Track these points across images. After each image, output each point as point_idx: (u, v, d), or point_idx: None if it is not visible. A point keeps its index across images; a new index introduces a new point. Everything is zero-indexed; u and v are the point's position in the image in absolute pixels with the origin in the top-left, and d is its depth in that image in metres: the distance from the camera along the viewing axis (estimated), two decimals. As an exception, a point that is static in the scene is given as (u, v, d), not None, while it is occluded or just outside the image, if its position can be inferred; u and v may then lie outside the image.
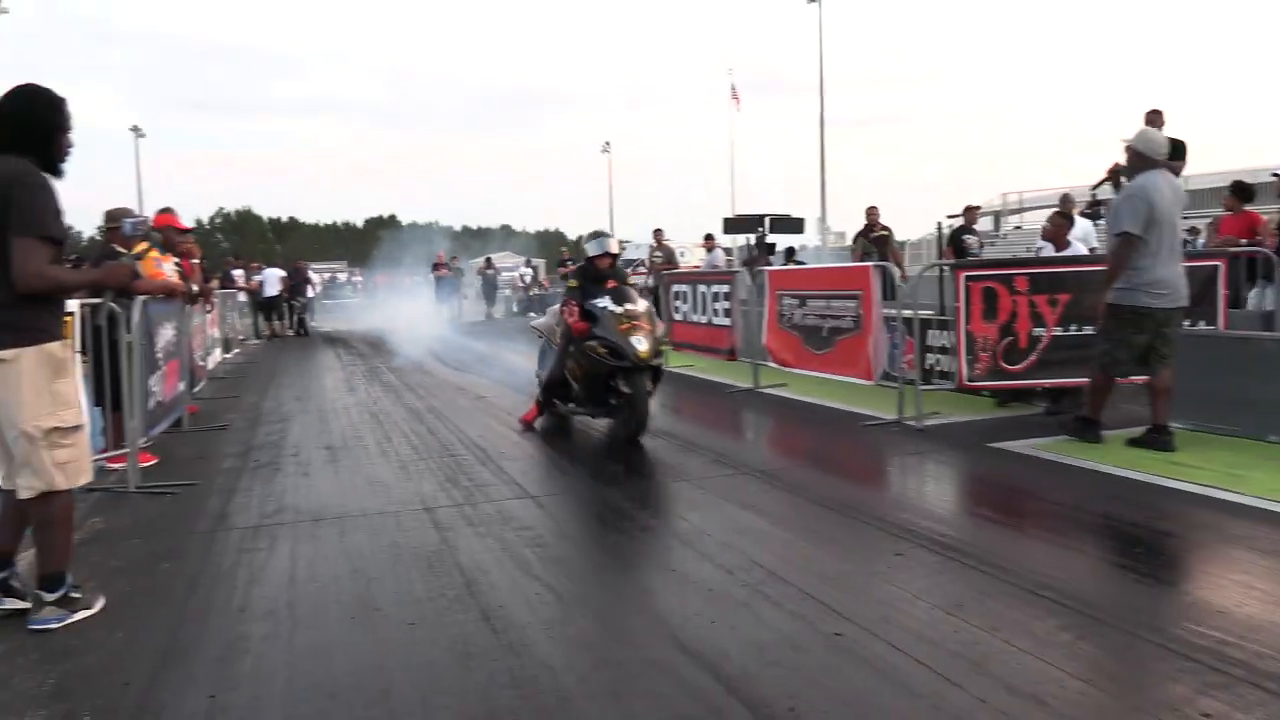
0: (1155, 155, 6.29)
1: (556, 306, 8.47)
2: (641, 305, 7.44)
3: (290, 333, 22.96)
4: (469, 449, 7.17)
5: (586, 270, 7.74)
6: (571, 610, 3.79)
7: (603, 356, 7.14)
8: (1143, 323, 6.25)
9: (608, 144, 65.78)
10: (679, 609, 3.78)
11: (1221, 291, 7.79)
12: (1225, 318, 7.79)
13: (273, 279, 22.55)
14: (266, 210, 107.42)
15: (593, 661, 3.30)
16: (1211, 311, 7.74)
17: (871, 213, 14.93)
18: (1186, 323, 7.48)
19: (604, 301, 7.31)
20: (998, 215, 40.75)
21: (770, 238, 18.90)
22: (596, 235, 7.89)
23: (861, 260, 13.49)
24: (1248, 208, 10.63)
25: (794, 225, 18.99)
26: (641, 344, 7.08)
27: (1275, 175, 9.80)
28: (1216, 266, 7.88)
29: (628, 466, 6.39)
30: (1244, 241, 9.69)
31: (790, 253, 20.80)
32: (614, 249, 7.80)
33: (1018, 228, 38.20)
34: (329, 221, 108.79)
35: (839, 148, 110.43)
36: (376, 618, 3.78)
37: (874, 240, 14.66)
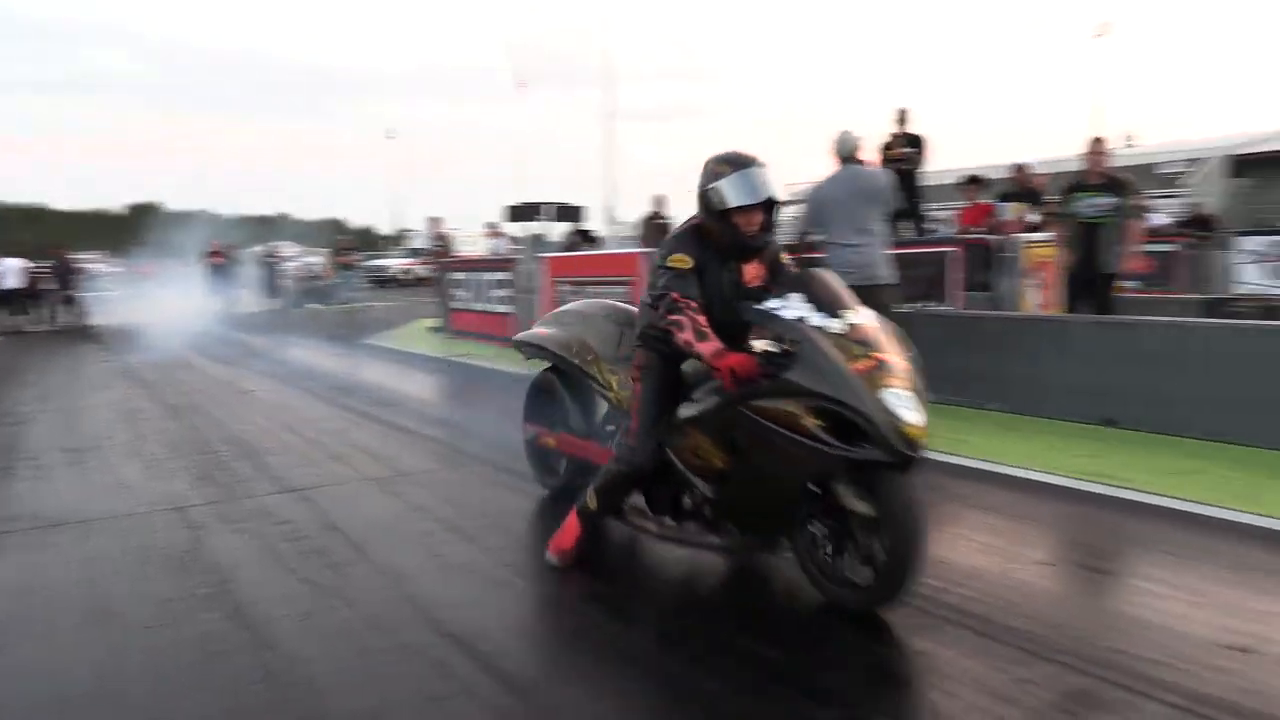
0: (840, 154, 6.98)
1: (579, 304, 5.08)
2: (867, 315, 3.53)
3: (44, 327, 21.09)
4: (230, 445, 6.85)
5: (709, 235, 3.72)
6: (332, 602, 3.73)
7: (812, 437, 3.27)
8: None
9: (391, 130, 64.23)
10: (432, 590, 3.80)
11: (956, 275, 8.51)
12: (962, 299, 8.53)
13: (12, 270, 20.63)
14: (8, 196, 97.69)
15: (351, 651, 3.27)
16: (945, 293, 8.46)
17: (658, 200, 15.43)
18: (930, 304, 8.18)
19: (793, 307, 3.42)
20: (783, 205, 42.65)
21: (551, 224, 19.06)
22: (736, 163, 3.65)
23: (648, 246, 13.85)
24: (984, 199, 11.65)
25: (572, 213, 19.22)
26: (909, 410, 3.21)
27: (1015, 169, 10.77)
28: (947, 253, 8.61)
29: (384, 465, 6.30)
30: (979, 229, 10.62)
31: (587, 237, 20.98)
32: (776, 192, 3.71)
33: (797, 218, 40.11)
34: (84, 208, 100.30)
35: (632, 140, 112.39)
36: (116, 623, 3.58)
37: (656, 227, 15.13)
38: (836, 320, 3.38)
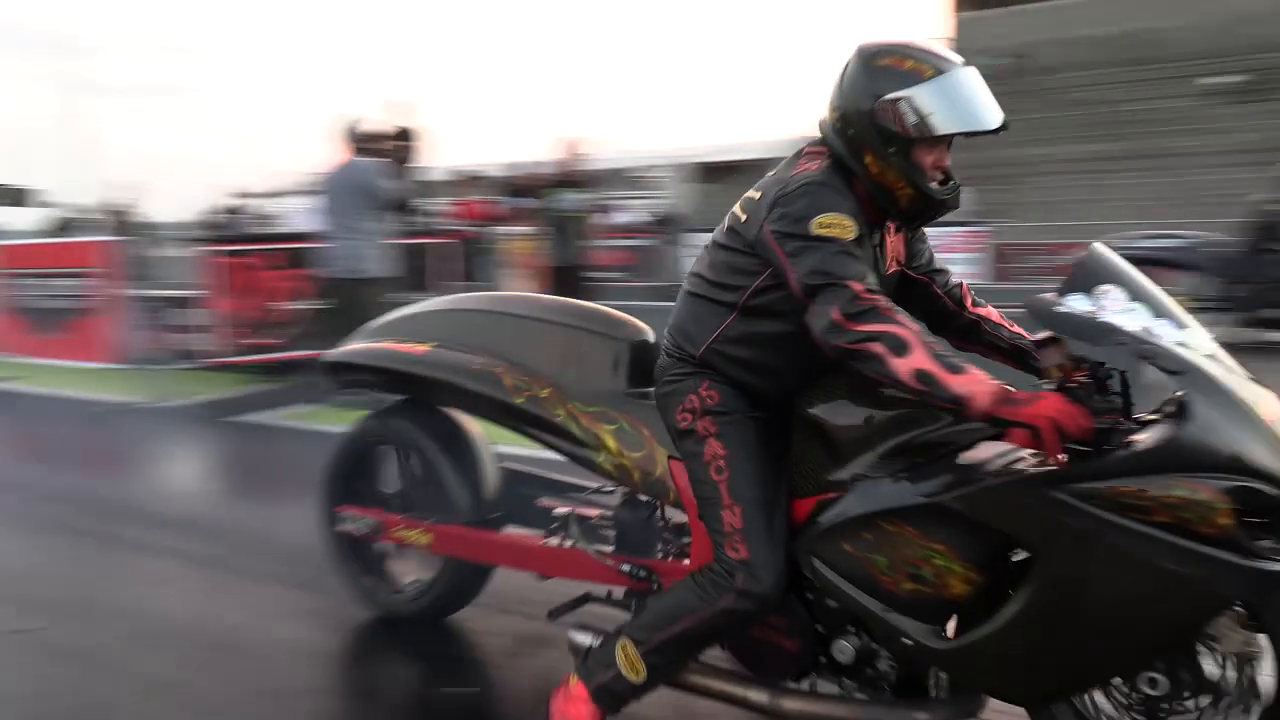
0: (346, 143, 6.99)
1: (460, 299, 3.27)
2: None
3: None
4: None
5: (861, 183, 2.14)
6: None
7: (1230, 544, 1.81)
8: (326, 290, 6.91)
9: None
10: None
11: (447, 266, 8.84)
12: (455, 290, 8.85)
13: None
14: None
15: None
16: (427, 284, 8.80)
17: (123, 185, 14.53)
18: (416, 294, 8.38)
19: (1115, 308, 1.91)
20: (269, 196, 40.76)
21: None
22: (937, 61, 2.07)
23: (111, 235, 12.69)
24: (480, 195, 12.17)
25: (18, 196, 16.92)
26: None
27: (513, 165, 11.36)
28: (433, 244, 8.94)
29: None
30: (475, 223, 11.10)
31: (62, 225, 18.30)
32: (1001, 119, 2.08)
33: (288, 209, 38.63)
34: None
35: (113, 118, 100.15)
36: None
37: (120, 214, 14.26)
38: (1194, 335, 1.98)
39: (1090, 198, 22.20)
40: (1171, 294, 2.06)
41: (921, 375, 1.90)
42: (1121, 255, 1.98)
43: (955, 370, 1.90)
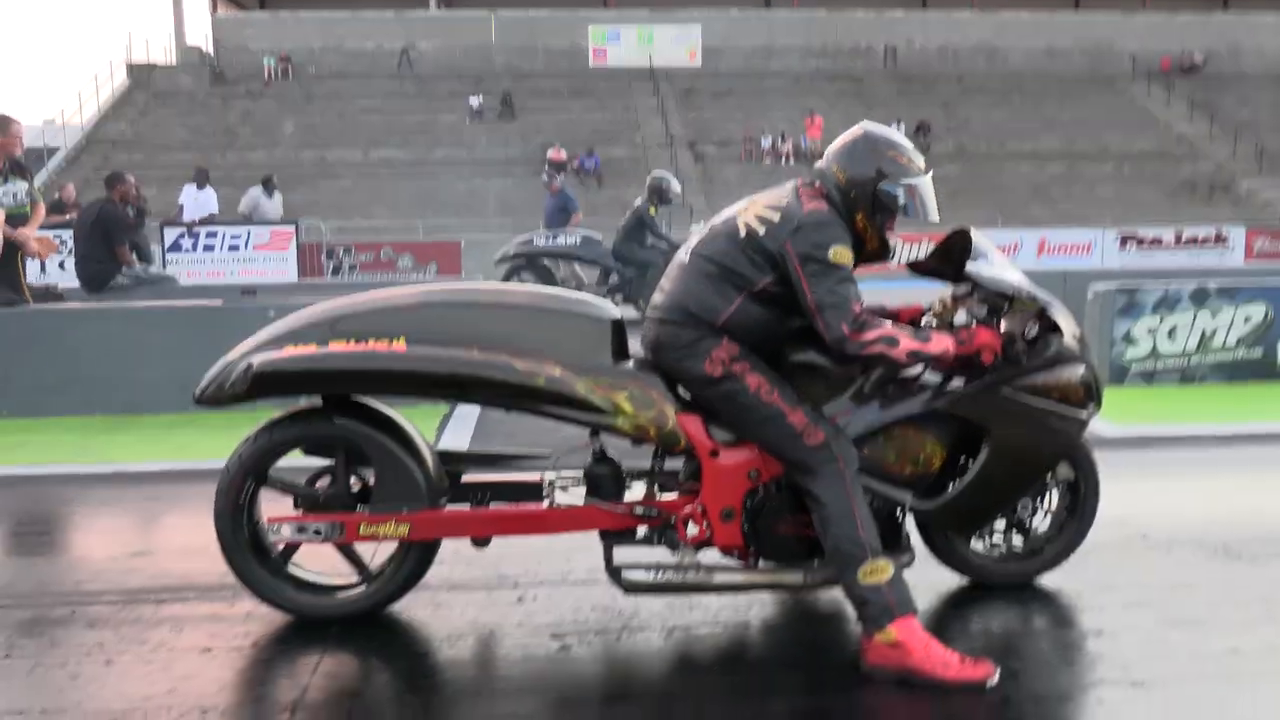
0: None
1: (412, 292, 3.04)
2: None
3: None
4: None
5: (867, 233, 2.97)
6: None
7: (1080, 404, 3.02)
8: None
9: None
10: None
11: None
12: None
13: None
14: None
15: None
16: None
17: None
18: None
19: (999, 267, 3.05)
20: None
21: None
22: (920, 161, 2.95)
23: None
24: None
25: None
26: None
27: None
28: None
29: None
30: None
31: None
32: None
33: None
34: None
35: None
36: None
37: None
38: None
39: (373, 199, 23.71)
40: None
41: (911, 353, 2.71)
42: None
43: (927, 340, 2.72)
